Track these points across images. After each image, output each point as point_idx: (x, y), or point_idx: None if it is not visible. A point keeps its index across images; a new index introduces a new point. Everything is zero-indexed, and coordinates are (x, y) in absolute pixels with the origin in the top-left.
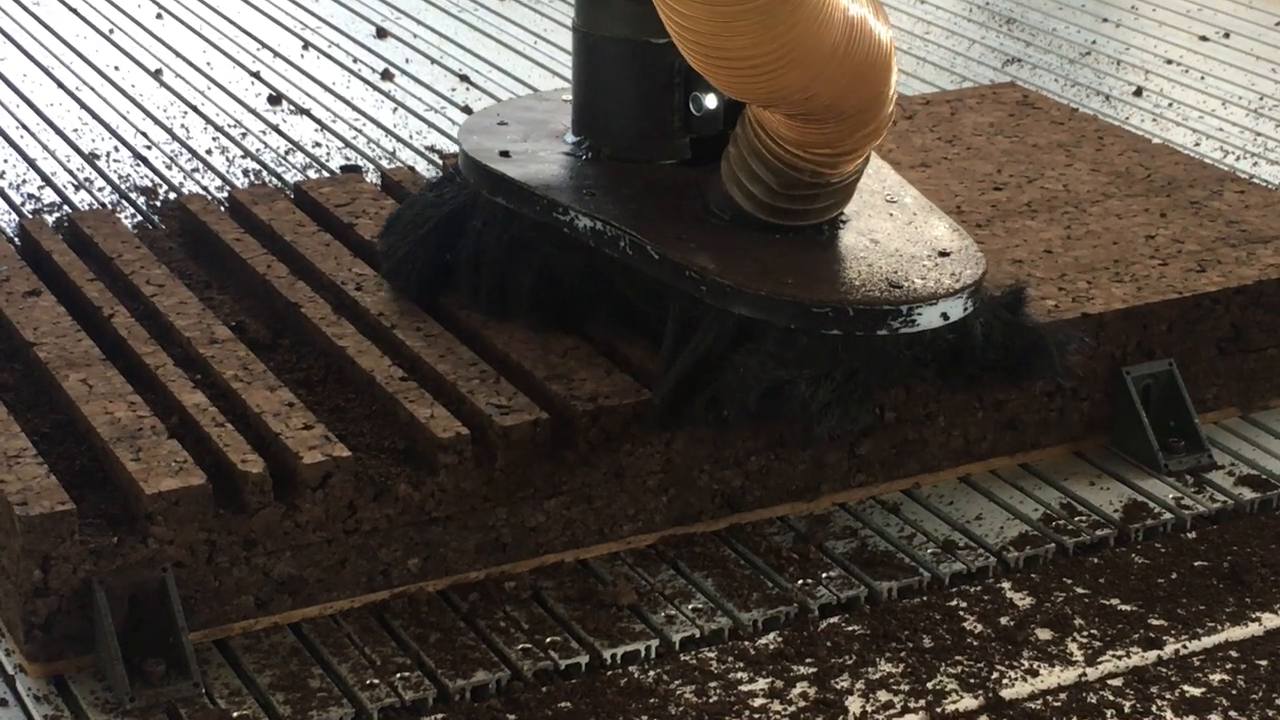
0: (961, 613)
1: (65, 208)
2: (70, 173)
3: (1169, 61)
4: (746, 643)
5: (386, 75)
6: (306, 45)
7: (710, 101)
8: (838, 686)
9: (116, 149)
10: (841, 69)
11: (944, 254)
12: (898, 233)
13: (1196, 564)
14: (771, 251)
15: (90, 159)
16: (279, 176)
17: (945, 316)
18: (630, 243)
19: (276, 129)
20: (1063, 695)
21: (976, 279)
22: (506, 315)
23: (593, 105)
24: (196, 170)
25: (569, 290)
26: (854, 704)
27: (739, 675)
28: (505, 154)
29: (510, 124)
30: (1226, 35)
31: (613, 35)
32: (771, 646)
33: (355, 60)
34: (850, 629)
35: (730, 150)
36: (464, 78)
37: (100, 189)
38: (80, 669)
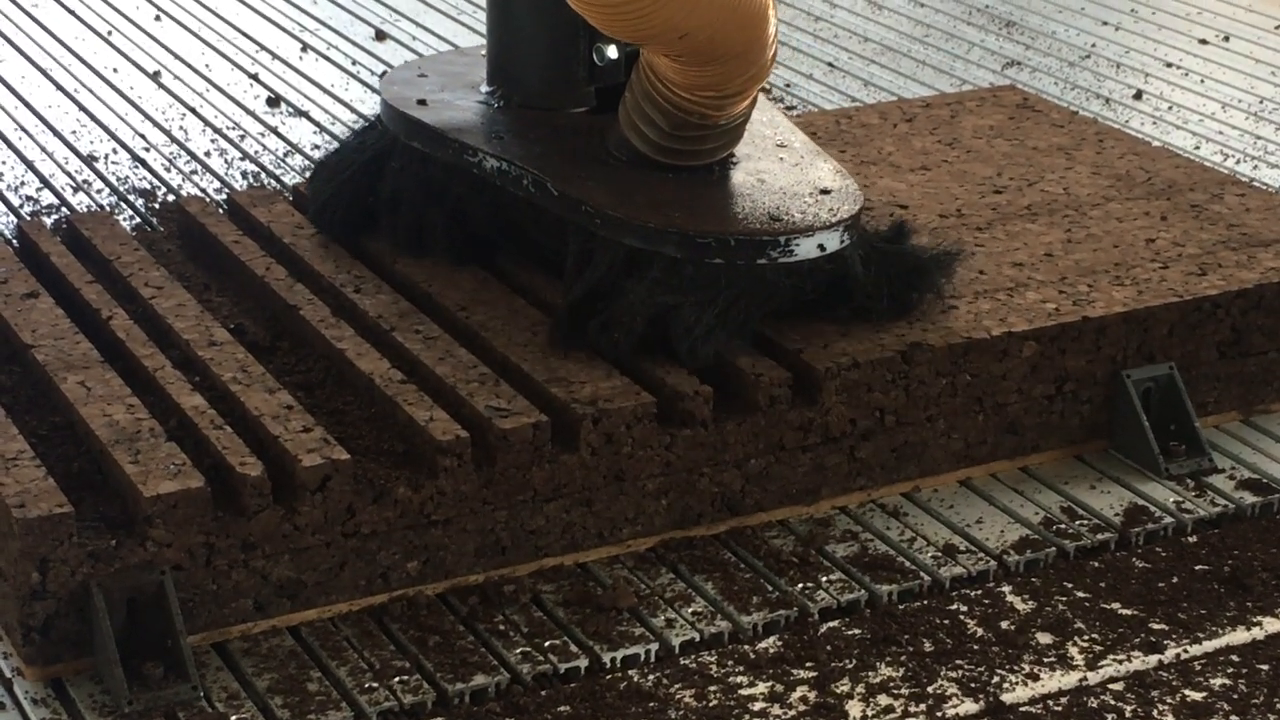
0: (962, 616)
1: (63, 210)
2: (68, 175)
3: (1169, 65)
4: (746, 646)
5: (422, 103)
6: (305, 47)
7: (612, 52)
8: (838, 690)
9: (115, 151)
10: (714, 10)
11: (825, 192)
12: (784, 173)
13: (1197, 568)
14: (662, 188)
15: (88, 161)
16: (278, 179)
17: (822, 248)
18: (533, 181)
19: (275, 131)
20: (1063, 699)
21: (853, 214)
22: (422, 252)
23: (505, 57)
24: (195, 172)
25: (479, 228)
26: (854, 708)
27: (739, 679)
28: (422, 102)
29: (430, 76)
30: (1226, 38)
31: None
32: (771, 650)
33: (354, 62)
34: (850, 633)
35: (626, 96)
36: None
37: (99, 191)
38: (78, 672)
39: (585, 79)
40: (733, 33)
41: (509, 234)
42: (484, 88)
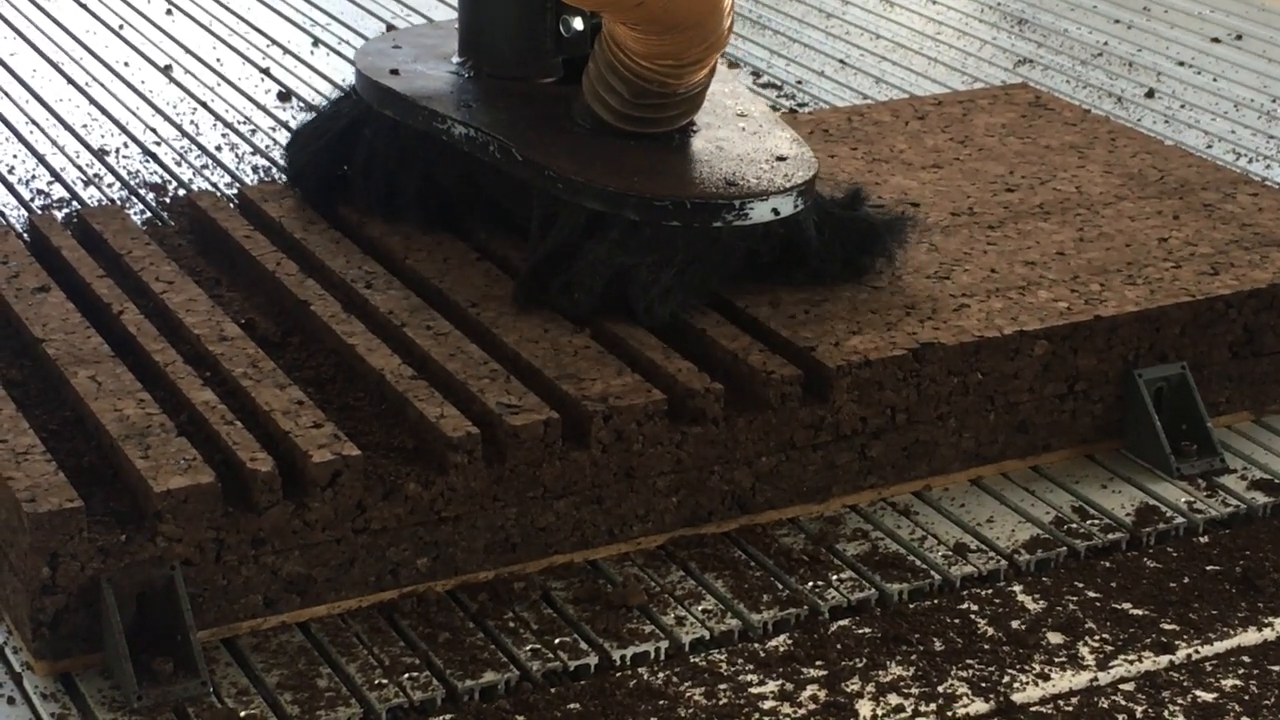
0: (972, 616)
1: (74, 204)
2: (79, 169)
3: (1181, 63)
4: (756, 645)
5: (395, 73)
6: (316, 42)
7: (578, 24)
8: (848, 689)
9: (126, 145)
10: None
11: (781, 159)
12: (743, 141)
13: (1209, 568)
14: (623, 154)
15: (100, 155)
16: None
17: (776, 212)
18: (499, 147)
19: (286, 126)
20: (1074, 699)
21: (807, 180)
22: (395, 218)
23: (475, 28)
24: (206, 167)
25: (448, 193)
26: (864, 707)
27: (749, 677)
28: (395, 72)
29: (403, 47)
30: (1239, 37)
31: None
32: (782, 649)
33: None
34: (861, 631)
35: (590, 66)
36: None
37: (109, 185)
38: (88, 667)
39: (552, 50)
40: (688, 1)
41: (477, 199)
42: (455, 59)
